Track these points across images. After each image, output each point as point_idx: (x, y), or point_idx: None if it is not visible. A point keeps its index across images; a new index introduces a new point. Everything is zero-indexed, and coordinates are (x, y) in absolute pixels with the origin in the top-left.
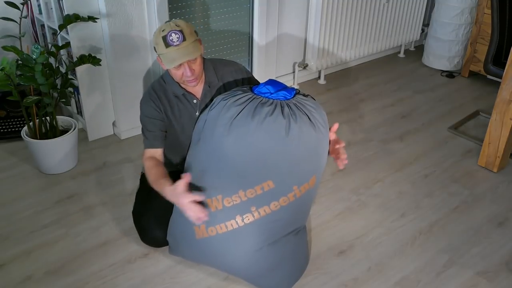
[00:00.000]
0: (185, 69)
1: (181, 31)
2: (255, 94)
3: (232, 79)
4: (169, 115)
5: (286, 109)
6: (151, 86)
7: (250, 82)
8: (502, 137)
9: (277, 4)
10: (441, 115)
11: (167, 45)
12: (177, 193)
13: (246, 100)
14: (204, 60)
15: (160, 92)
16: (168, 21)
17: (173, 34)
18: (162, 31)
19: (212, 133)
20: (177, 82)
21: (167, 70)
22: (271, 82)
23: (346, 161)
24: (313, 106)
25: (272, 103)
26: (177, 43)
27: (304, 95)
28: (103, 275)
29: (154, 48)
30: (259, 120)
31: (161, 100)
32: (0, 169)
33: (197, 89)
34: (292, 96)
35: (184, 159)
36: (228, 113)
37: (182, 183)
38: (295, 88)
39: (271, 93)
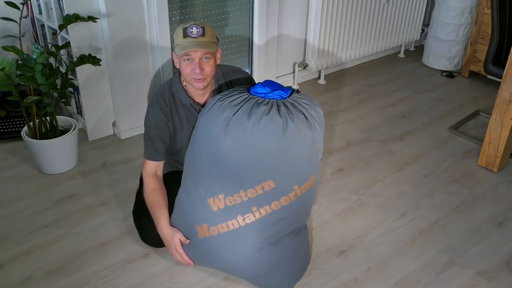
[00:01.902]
0: (195, 65)
1: (203, 28)
2: (251, 94)
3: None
4: (175, 123)
5: (282, 108)
6: (160, 93)
7: None
8: (502, 137)
9: (277, 4)
10: (441, 115)
11: (185, 35)
12: (169, 242)
13: (242, 101)
14: None
15: (168, 100)
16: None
17: (194, 28)
18: (185, 24)
19: (209, 133)
20: (184, 90)
21: (177, 75)
22: (267, 82)
23: None
24: (309, 104)
25: (268, 102)
26: (195, 35)
27: (297, 91)
28: (103, 275)
29: (174, 41)
30: (256, 120)
31: (169, 108)
32: (0, 169)
33: (206, 98)
34: (288, 95)
35: (183, 162)
36: (224, 114)
37: (179, 242)
38: (291, 87)
39: (267, 93)
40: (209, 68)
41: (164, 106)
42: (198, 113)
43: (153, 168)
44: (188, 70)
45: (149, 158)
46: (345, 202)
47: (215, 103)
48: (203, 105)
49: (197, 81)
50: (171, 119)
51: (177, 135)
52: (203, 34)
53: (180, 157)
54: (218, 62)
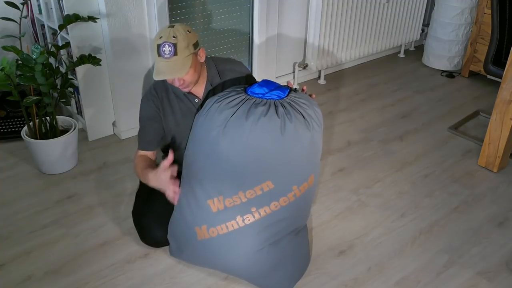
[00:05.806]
0: (173, 80)
1: (174, 45)
2: (248, 95)
3: (235, 77)
4: (168, 115)
5: (280, 108)
6: (153, 85)
7: (251, 81)
8: (502, 137)
9: (277, 4)
10: (441, 115)
11: (158, 53)
12: (158, 173)
13: (240, 102)
14: (206, 58)
15: (161, 92)
16: (172, 26)
17: (166, 46)
18: (160, 38)
19: (207, 135)
20: None
21: None
22: (265, 82)
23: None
24: (306, 103)
25: (266, 103)
26: (167, 56)
27: (295, 90)
28: (103, 275)
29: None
30: (254, 121)
31: (161, 100)
32: (0, 169)
33: (199, 89)
34: (285, 95)
35: (182, 158)
36: (222, 115)
37: (164, 163)
38: (288, 86)
39: (265, 93)
40: (189, 77)
41: (156, 98)
42: (193, 103)
43: (143, 154)
44: (170, 82)
45: (141, 149)
46: (345, 202)
47: (212, 105)
48: (202, 98)
49: (182, 89)
50: (163, 111)
51: (172, 129)
52: (175, 53)
53: (179, 154)
54: (202, 61)
